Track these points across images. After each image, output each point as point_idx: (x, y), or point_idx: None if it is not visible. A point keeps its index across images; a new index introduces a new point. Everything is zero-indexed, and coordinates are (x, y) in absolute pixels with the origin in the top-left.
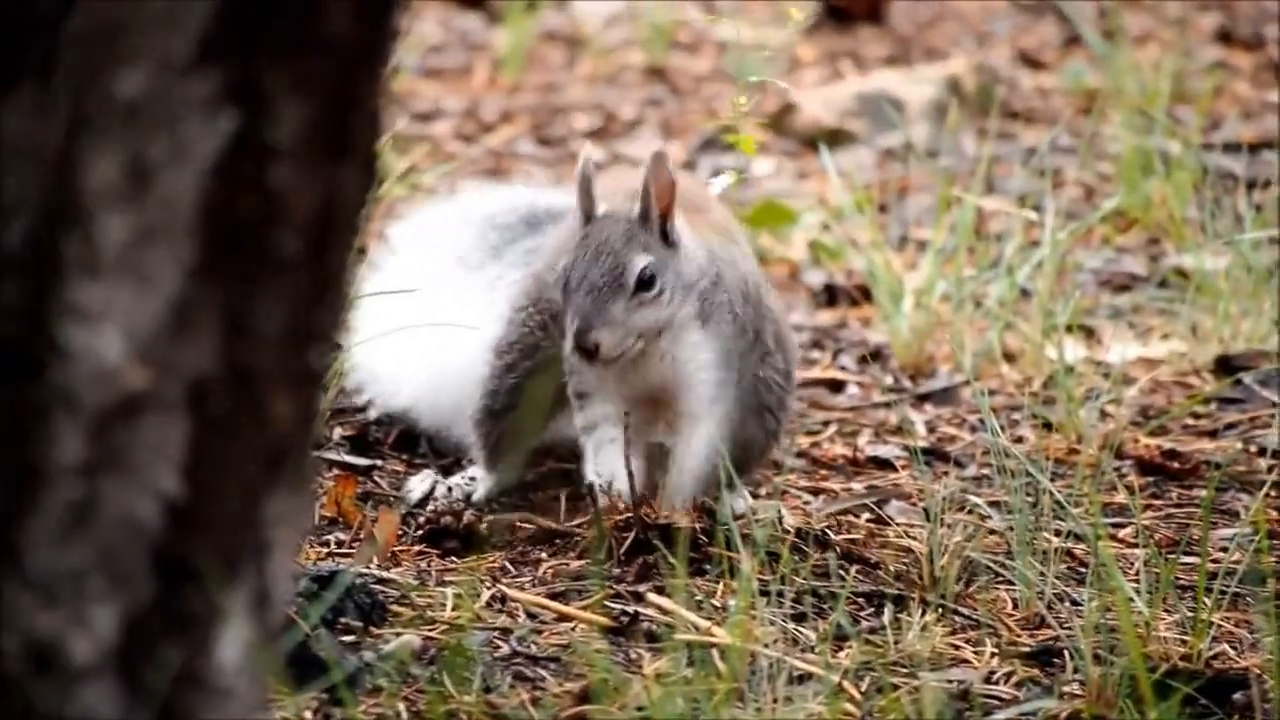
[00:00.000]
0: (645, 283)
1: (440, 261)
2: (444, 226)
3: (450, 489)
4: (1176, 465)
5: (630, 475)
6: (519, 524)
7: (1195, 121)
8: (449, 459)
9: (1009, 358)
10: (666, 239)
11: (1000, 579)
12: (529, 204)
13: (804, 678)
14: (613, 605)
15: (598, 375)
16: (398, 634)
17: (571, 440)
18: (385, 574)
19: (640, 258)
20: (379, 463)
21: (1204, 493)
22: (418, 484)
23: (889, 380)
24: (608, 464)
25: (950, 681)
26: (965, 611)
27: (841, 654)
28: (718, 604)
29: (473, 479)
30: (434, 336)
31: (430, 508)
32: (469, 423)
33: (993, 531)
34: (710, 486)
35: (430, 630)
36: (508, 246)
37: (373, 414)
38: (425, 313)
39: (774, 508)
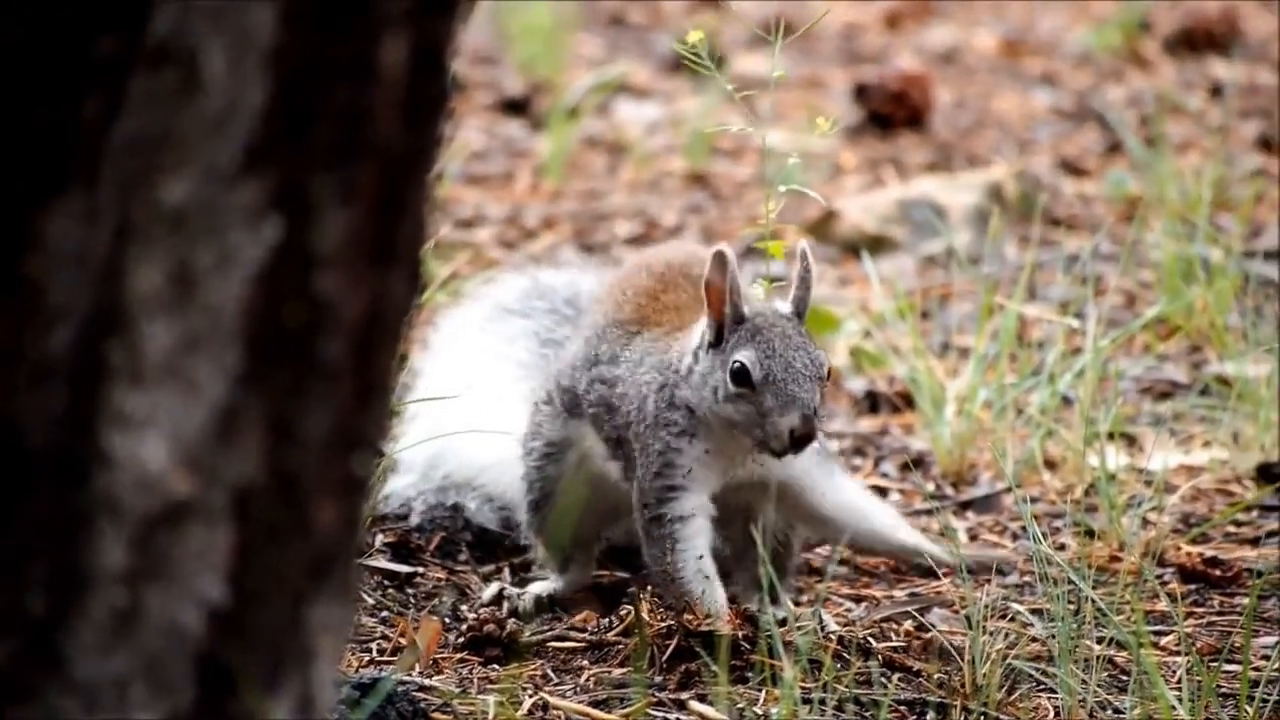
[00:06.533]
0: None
1: (482, 352)
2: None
3: (519, 595)
4: (1218, 573)
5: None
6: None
7: (1236, 229)
8: (491, 566)
9: (1051, 465)
10: None
11: (1042, 687)
12: (570, 288)
13: None
14: (655, 713)
15: (704, 464)
16: None
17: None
18: (427, 681)
19: (821, 352)
20: (420, 570)
21: (1246, 600)
22: (489, 592)
23: (931, 487)
24: (705, 564)
25: None
26: (1007, 719)
27: None
28: (760, 712)
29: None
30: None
31: (473, 615)
32: (523, 516)
33: (1034, 639)
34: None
35: None
36: (549, 334)
37: (415, 520)
38: (470, 405)
39: (816, 615)
